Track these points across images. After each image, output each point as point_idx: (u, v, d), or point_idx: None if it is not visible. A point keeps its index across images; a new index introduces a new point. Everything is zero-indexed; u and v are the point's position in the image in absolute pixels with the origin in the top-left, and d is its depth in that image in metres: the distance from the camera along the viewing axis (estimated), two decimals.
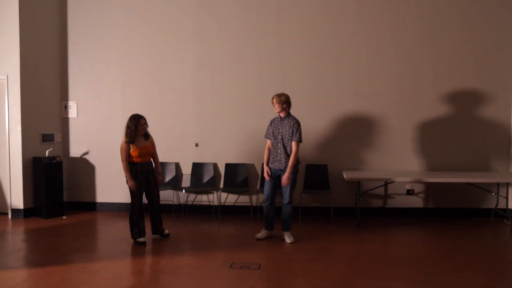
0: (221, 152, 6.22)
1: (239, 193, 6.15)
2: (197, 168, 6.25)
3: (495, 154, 5.93)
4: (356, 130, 6.05)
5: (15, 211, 5.99)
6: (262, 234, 5.00)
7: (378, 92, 6.00)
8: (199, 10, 6.23)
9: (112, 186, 6.43)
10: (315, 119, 6.06)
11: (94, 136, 6.47)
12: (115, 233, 5.25)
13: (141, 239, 4.73)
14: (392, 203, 6.07)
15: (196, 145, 6.28)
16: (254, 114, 6.06)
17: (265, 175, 4.89)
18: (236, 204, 6.24)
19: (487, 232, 5.30)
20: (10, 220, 5.87)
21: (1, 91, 5.98)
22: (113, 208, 6.44)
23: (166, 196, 6.21)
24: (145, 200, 4.92)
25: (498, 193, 5.78)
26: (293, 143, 4.72)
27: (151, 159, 4.90)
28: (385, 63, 5.99)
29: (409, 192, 6.00)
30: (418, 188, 6.02)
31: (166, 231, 5.06)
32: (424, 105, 5.97)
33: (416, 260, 4.22)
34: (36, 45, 6.08)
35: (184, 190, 6.14)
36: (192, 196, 6.30)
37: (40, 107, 6.17)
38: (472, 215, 5.94)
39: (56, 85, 6.46)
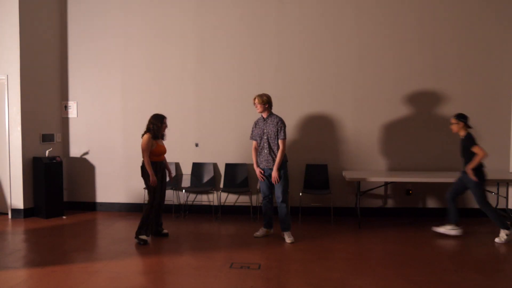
0: (221, 152, 6.22)
1: (239, 193, 6.16)
2: (197, 168, 6.25)
3: (495, 154, 5.92)
4: (356, 130, 6.04)
5: (15, 211, 5.99)
6: (260, 232, 5.04)
7: (378, 92, 6.01)
8: (199, 11, 6.23)
9: (112, 186, 6.44)
10: (315, 119, 6.07)
11: (94, 136, 6.47)
12: (115, 233, 5.25)
13: (144, 237, 4.76)
14: (392, 203, 6.07)
15: (196, 145, 6.28)
16: (254, 114, 6.01)
17: (259, 176, 4.93)
18: (236, 204, 6.24)
19: (487, 232, 5.29)
20: (10, 220, 5.87)
21: (1, 91, 5.98)
22: (113, 208, 6.44)
23: (166, 196, 6.19)
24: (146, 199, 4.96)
25: (498, 193, 5.78)
26: (280, 142, 4.79)
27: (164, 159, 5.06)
28: (383, 64, 5.99)
29: (409, 192, 6.00)
30: (418, 188, 6.02)
31: (165, 231, 5.05)
32: (424, 105, 5.97)
33: (416, 260, 4.22)
34: (36, 45, 6.08)
35: (184, 190, 6.14)
36: (192, 196, 6.30)
37: (40, 107, 6.17)
38: (472, 215, 5.93)
39: (56, 85, 6.46)
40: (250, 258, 4.26)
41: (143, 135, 4.89)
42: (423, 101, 5.98)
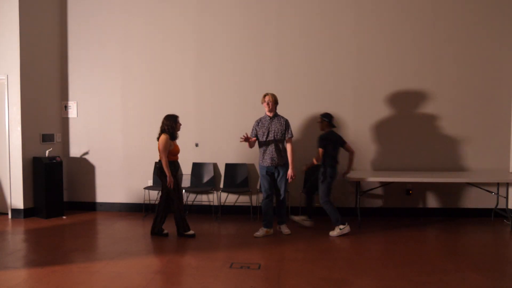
0: (221, 152, 6.22)
1: (239, 193, 6.16)
2: (197, 168, 6.25)
3: (495, 154, 5.93)
4: (356, 129, 6.05)
5: (15, 211, 5.99)
6: (260, 232, 5.06)
7: (378, 92, 6.01)
8: (199, 11, 6.23)
9: (112, 186, 6.43)
10: (315, 119, 6.06)
11: (94, 136, 6.47)
12: (115, 233, 5.25)
13: (190, 232, 4.98)
14: (392, 203, 6.07)
15: (196, 145, 6.28)
16: (254, 114, 6.02)
17: (246, 138, 4.93)
18: (236, 204, 6.24)
19: (487, 232, 5.30)
20: (10, 220, 5.87)
21: (1, 91, 5.98)
22: (113, 208, 6.44)
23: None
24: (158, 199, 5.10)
25: (498, 193, 5.78)
26: (288, 140, 5.00)
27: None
28: (383, 64, 6.00)
29: (409, 192, 6.00)
30: (418, 188, 6.02)
31: (165, 231, 5.08)
32: (424, 105, 5.97)
33: (416, 260, 4.22)
34: (36, 45, 6.08)
35: (184, 190, 6.13)
36: (192, 196, 6.30)
37: (40, 107, 6.17)
38: (472, 215, 5.94)
39: (56, 85, 6.46)
40: (250, 258, 4.26)
41: (158, 137, 4.93)
42: (423, 101, 5.98)
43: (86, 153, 6.52)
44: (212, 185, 6.16)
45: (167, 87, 6.32)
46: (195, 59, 6.26)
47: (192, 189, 6.11)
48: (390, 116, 6.02)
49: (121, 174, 6.42)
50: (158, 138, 4.93)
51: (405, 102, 6.00)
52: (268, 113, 5.03)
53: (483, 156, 5.94)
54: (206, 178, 6.21)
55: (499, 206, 5.82)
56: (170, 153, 4.89)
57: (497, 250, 4.68)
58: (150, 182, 6.28)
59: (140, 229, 5.46)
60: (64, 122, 6.55)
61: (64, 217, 6.07)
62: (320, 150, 5.07)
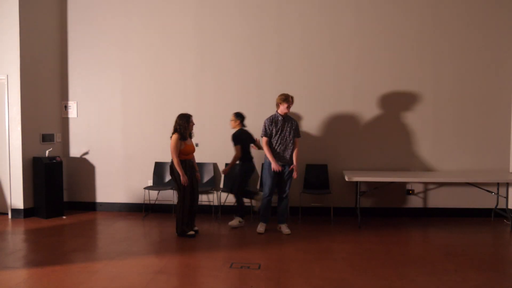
0: (221, 152, 6.21)
1: None
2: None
3: (495, 154, 5.93)
4: (357, 130, 6.05)
5: (15, 211, 5.99)
6: (263, 228, 5.22)
7: (378, 92, 6.01)
8: (199, 11, 6.23)
9: (112, 186, 6.43)
10: (315, 119, 6.07)
11: (94, 136, 6.47)
12: (115, 233, 5.25)
13: (191, 232, 4.97)
14: (392, 203, 6.07)
15: (196, 145, 6.27)
16: (254, 114, 6.05)
17: (277, 168, 5.04)
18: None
19: (487, 232, 5.30)
20: (10, 220, 5.87)
21: (1, 91, 5.98)
22: (113, 208, 6.44)
23: (166, 196, 6.22)
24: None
25: (498, 193, 5.78)
26: (297, 140, 5.19)
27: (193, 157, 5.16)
28: (383, 64, 6.00)
29: (409, 192, 6.00)
30: (418, 188, 6.02)
31: (196, 229, 5.12)
32: (423, 105, 5.97)
33: (416, 260, 4.22)
34: (36, 45, 6.08)
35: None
36: None
37: (40, 107, 6.17)
38: (472, 215, 5.94)
39: (56, 85, 6.46)
40: (250, 258, 4.26)
41: (171, 136, 4.93)
42: (423, 102, 5.97)
43: (86, 153, 6.52)
44: (212, 185, 6.15)
45: (167, 87, 6.32)
46: (195, 59, 6.26)
47: None
48: (390, 116, 6.01)
49: (121, 174, 6.42)
50: (171, 137, 4.95)
51: (405, 102, 5.99)
52: (282, 113, 5.13)
53: (483, 156, 5.94)
54: (206, 178, 6.21)
55: (499, 206, 5.82)
56: (181, 152, 4.90)
57: (497, 250, 4.68)
58: (150, 182, 6.28)
59: (140, 229, 5.47)
60: (64, 122, 6.54)
61: (64, 217, 6.07)
62: (238, 147, 5.37)
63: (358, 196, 5.72)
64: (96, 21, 6.40)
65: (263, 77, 6.14)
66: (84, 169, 6.50)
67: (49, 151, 6.12)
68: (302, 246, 4.69)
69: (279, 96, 5.13)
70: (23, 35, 5.86)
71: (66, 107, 6.53)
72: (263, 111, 5.89)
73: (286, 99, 5.08)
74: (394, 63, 6.00)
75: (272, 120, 5.12)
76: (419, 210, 6.04)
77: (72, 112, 6.52)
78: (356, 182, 5.71)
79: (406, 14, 5.97)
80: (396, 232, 5.28)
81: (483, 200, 5.90)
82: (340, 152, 6.08)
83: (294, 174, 5.14)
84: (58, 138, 6.46)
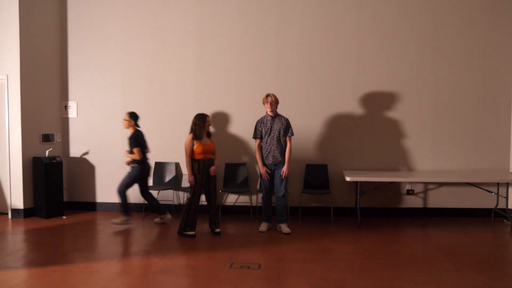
0: (221, 152, 6.21)
1: (239, 193, 6.15)
2: None
3: (495, 154, 5.93)
4: (357, 130, 6.05)
5: (15, 211, 5.99)
6: (265, 227, 5.27)
7: (378, 92, 6.01)
8: (199, 11, 6.23)
9: (112, 186, 6.41)
10: (315, 119, 6.07)
11: (94, 136, 6.47)
12: (115, 233, 5.25)
13: (190, 233, 4.97)
14: (392, 203, 6.07)
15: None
16: (254, 114, 6.04)
17: (264, 175, 5.17)
18: (236, 204, 6.24)
19: (487, 232, 5.30)
20: (10, 220, 5.87)
21: (1, 91, 5.98)
22: (113, 208, 6.44)
23: (166, 196, 6.22)
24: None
25: (498, 193, 5.78)
26: (288, 139, 5.19)
27: (212, 157, 5.16)
28: (383, 64, 6.00)
29: (409, 192, 6.00)
30: (418, 188, 6.02)
31: (217, 230, 5.12)
32: (423, 105, 5.97)
33: (416, 260, 4.22)
34: (36, 45, 6.08)
35: (184, 190, 6.13)
36: None
37: (40, 107, 6.17)
38: (472, 215, 5.94)
39: (56, 85, 6.46)
40: (250, 258, 4.26)
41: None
42: (423, 102, 5.97)
43: (86, 153, 6.52)
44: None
45: (167, 87, 6.32)
46: (195, 59, 6.26)
47: None
48: (390, 116, 6.02)
49: (121, 174, 6.36)
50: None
51: (405, 102, 5.99)
52: (270, 113, 5.16)
53: (483, 156, 5.94)
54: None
55: (499, 206, 5.82)
56: (195, 151, 4.97)
57: (497, 250, 4.68)
58: (150, 182, 6.27)
59: (140, 229, 5.47)
60: (64, 122, 6.55)
61: (64, 217, 6.07)
62: (138, 148, 5.39)
63: (358, 196, 5.72)
64: (96, 21, 6.41)
65: (263, 77, 6.14)
66: (84, 169, 6.50)
67: (49, 151, 6.13)
68: (302, 246, 4.69)
69: None
70: (23, 35, 5.86)
71: (66, 107, 6.53)
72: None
73: (265, 98, 5.17)
74: (394, 63, 6.00)
75: (261, 121, 5.22)
76: (419, 210, 6.04)
77: (72, 112, 6.52)
78: (356, 182, 5.71)
79: (406, 14, 5.98)
80: (396, 232, 5.28)
81: (483, 200, 5.91)
82: (340, 152, 6.08)
83: (282, 172, 5.11)
84: (58, 138, 6.46)
